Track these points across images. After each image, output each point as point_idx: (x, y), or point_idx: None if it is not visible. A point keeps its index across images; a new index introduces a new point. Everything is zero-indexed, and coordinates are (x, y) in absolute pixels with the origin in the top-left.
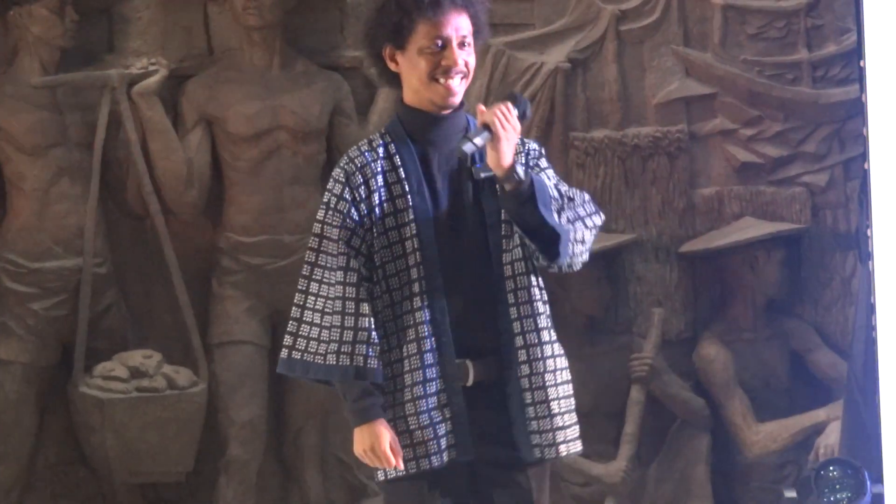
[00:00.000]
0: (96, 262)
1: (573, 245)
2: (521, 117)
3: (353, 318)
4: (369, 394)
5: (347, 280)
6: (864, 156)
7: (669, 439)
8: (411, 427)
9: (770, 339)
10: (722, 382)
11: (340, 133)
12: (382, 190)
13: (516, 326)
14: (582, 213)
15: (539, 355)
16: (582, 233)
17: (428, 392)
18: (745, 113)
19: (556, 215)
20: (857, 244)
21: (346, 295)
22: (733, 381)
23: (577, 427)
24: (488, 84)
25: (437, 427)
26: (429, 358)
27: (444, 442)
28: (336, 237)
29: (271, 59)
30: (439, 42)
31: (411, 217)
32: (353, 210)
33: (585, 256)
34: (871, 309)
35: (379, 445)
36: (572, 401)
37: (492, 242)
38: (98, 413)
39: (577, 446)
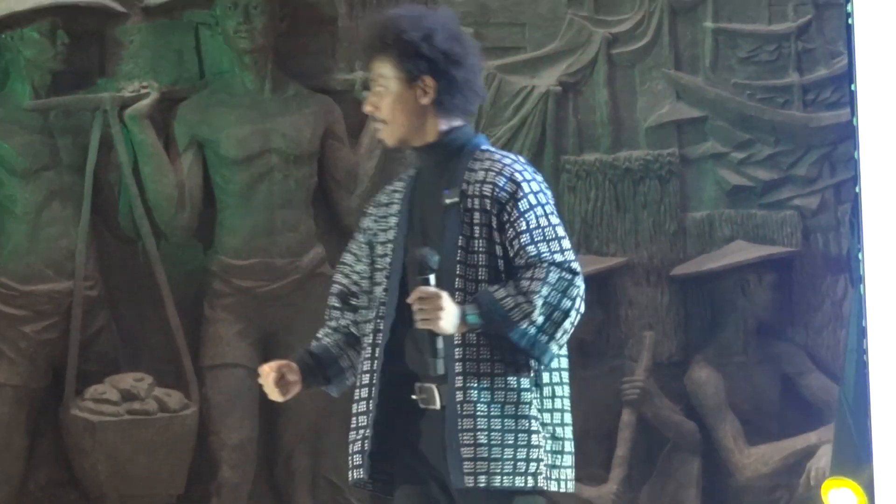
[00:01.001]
0: (88, 285)
1: (556, 342)
2: (426, 271)
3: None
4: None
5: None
6: (855, 179)
7: (660, 462)
8: (348, 439)
9: (761, 363)
10: (713, 405)
11: (332, 156)
12: (381, 218)
13: (458, 353)
14: (553, 299)
15: (475, 385)
16: (562, 327)
17: (359, 410)
18: (736, 136)
19: (527, 328)
20: (849, 267)
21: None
22: (724, 405)
23: (517, 462)
24: (479, 107)
25: (355, 444)
26: (365, 378)
27: (357, 459)
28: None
29: (263, 82)
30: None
31: (390, 238)
32: (360, 237)
33: (580, 316)
34: (863, 332)
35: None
36: (521, 436)
37: (446, 269)
38: (89, 436)
39: (514, 481)
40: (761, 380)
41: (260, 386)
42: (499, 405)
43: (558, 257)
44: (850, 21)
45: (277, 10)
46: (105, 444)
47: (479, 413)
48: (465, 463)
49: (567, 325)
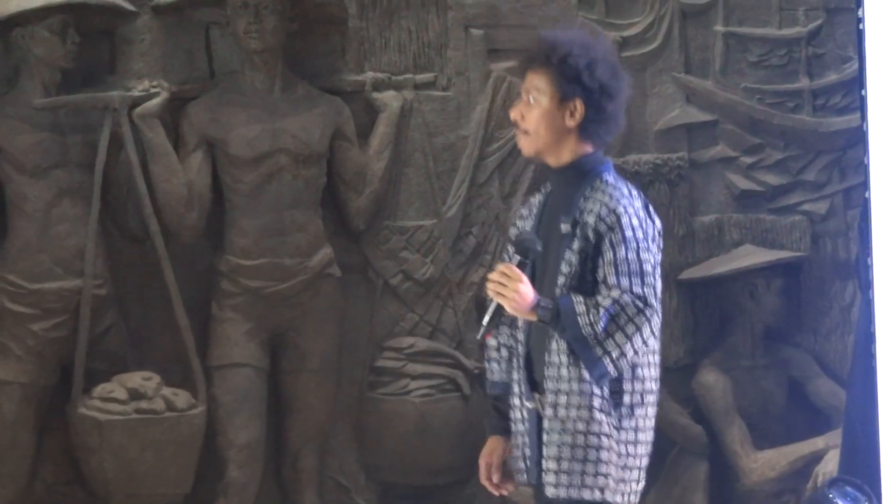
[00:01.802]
0: (96, 284)
1: (612, 363)
2: (527, 255)
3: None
4: (494, 409)
5: None
6: (864, 185)
7: (667, 466)
8: (512, 444)
9: (769, 367)
10: (720, 410)
11: (341, 157)
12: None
13: (548, 370)
14: (622, 320)
15: (559, 400)
16: (621, 349)
17: (515, 418)
18: (745, 140)
19: (588, 341)
20: (857, 273)
21: None
22: (732, 409)
23: (584, 476)
24: (489, 109)
25: (515, 450)
26: (515, 388)
27: (519, 464)
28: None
29: (273, 82)
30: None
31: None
32: (510, 247)
33: (640, 351)
34: (871, 338)
35: (482, 457)
36: (590, 451)
37: (559, 285)
38: (97, 434)
39: (582, 494)
40: (769, 384)
41: (267, 385)
42: (573, 421)
43: (636, 289)
44: (860, 26)
45: (288, 10)
46: (112, 443)
47: (553, 428)
48: (545, 474)
49: (626, 348)
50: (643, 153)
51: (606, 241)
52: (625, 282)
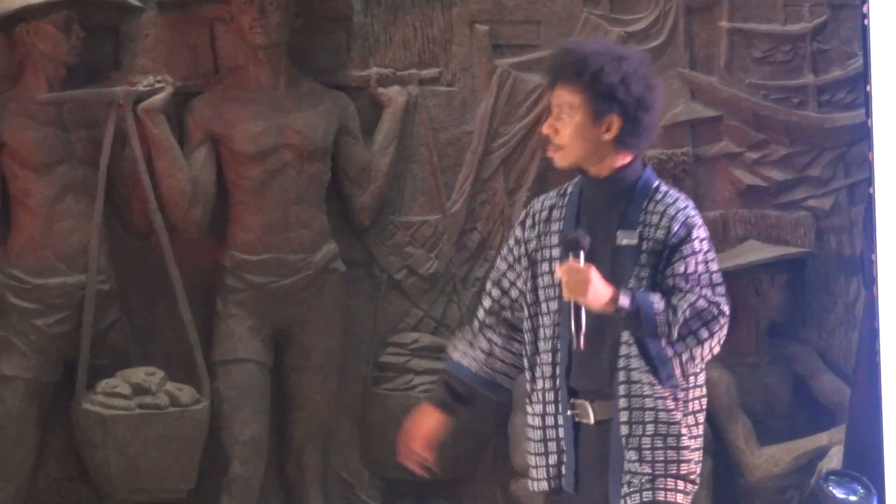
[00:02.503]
0: (100, 279)
1: (680, 365)
2: (577, 253)
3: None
4: (445, 384)
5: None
6: (869, 180)
7: None
8: (529, 450)
9: (773, 363)
10: (724, 406)
11: (346, 153)
12: (542, 234)
13: (621, 375)
14: (695, 324)
15: (639, 393)
16: (690, 352)
17: (547, 424)
18: (750, 136)
19: (661, 339)
20: (862, 269)
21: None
22: (736, 405)
23: (669, 477)
24: (493, 105)
25: (549, 457)
26: (549, 396)
27: (551, 471)
28: (501, 258)
29: (277, 78)
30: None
31: (557, 257)
32: (514, 247)
33: (707, 361)
34: (875, 334)
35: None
36: (669, 452)
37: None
38: (100, 430)
39: (673, 496)
40: (773, 380)
41: (271, 381)
42: (652, 424)
43: (709, 296)
44: (865, 22)
45: (293, 6)
46: (116, 439)
47: (633, 432)
48: (625, 476)
49: (696, 352)
50: (648, 148)
51: (677, 253)
52: (698, 290)
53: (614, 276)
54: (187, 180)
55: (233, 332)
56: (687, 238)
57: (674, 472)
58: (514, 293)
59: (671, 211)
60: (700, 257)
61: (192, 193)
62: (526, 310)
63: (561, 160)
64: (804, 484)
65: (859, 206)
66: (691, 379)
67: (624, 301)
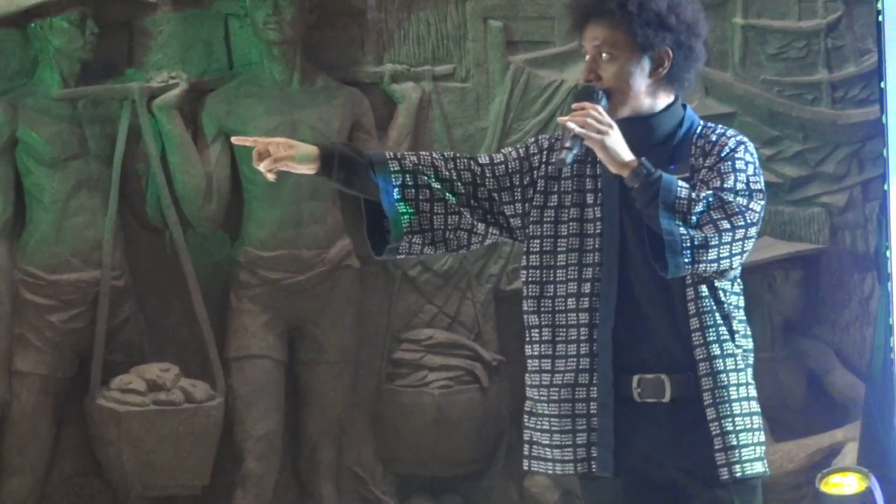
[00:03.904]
0: (114, 275)
1: (692, 251)
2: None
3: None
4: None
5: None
6: (883, 176)
7: None
8: (553, 428)
9: (787, 360)
10: None
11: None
12: (575, 176)
13: (697, 338)
14: (717, 215)
15: (721, 368)
16: (705, 236)
17: (577, 397)
18: (764, 133)
19: (676, 218)
20: (876, 265)
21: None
22: None
23: (755, 447)
24: (507, 101)
25: (578, 436)
26: (584, 363)
27: (578, 453)
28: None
29: (291, 74)
30: (584, 54)
31: (598, 215)
32: (525, 155)
33: (725, 264)
34: (890, 330)
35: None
36: (753, 419)
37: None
38: (114, 426)
39: (756, 468)
40: (787, 377)
41: (285, 377)
42: (735, 388)
43: (742, 199)
44: (880, 18)
45: (307, 1)
46: (130, 435)
47: (719, 400)
48: (718, 454)
49: (712, 241)
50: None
51: (724, 164)
52: (731, 194)
53: None
54: (201, 176)
55: (247, 328)
56: (732, 156)
57: (757, 440)
58: (506, 209)
59: (722, 139)
60: (742, 176)
61: (207, 189)
62: (531, 258)
63: (614, 109)
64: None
65: (874, 203)
66: (739, 329)
67: (644, 165)
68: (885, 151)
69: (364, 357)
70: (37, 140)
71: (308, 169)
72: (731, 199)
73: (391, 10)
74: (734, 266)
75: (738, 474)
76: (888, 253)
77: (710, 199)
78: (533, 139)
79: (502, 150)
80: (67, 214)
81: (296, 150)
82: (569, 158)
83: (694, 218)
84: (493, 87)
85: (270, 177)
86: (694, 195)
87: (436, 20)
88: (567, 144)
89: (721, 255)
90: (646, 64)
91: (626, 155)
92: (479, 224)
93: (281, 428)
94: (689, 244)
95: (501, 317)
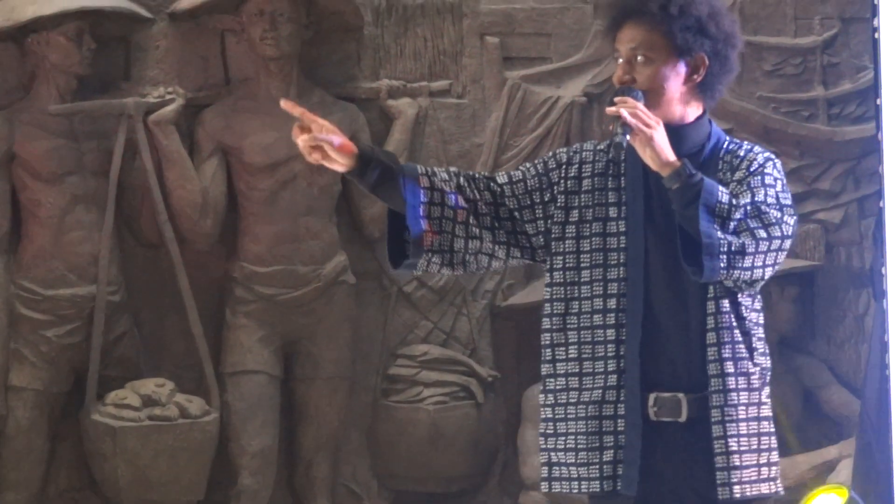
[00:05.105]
0: (110, 290)
1: (728, 257)
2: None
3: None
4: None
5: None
6: (879, 194)
7: None
8: (579, 446)
9: (782, 376)
10: None
11: None
12: (596, 190)
13: (712, 353)
14: (754, 223)
15: (733, 386)
16: (742, 243)
17: (604, 415)
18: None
19: (716, 222)
20: (872, 282)
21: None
22: None
23: (760, 468)
24: (503, 117)
25: (605, 453)
26: (611, 380)
27: (605, 470)
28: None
29: (288, 89)
30: (617, 57)
31: (622, 229)
32: (544, 170)
33: (757, 274)
34: (885, 347)
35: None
36: (762, 440)
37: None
38: (110, 441)
39: (760, 489)
40: (782, 393)
41: (280, 393)
42: (745, 408)
43: (777, 214)
44: (876, 35)
45: (303, 17)
46: (125, 450)
47: (727, 419)
48: (719, 473)
49: (748, 249)
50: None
51: (753, 179)
52: (764, 205)
53: None
54: (198, 191)
55: (242, 343)
56: (762, 171)
57: (765, 461)
58: (529, 228)
59: (751, 155)
60: (772, 192)
61: (203, 204)
62: (555, 275)
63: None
64: None
65: (869, 220)
66: (758, 347)
67: (687, 167)
68: (880, 168)
69: (359, 373)
70: (33, 155)
71: (341, 164)
72: (767, 211)
73: (388, 26)
74: (765, 277)
75: (738, 495)
76: (883, 270)
77: (748, 208)
78: (551, 153)
79: (520, 168)
80: (64, 230)
81: (336, 137)
82: (623, 143)
83: (732, 224)
84: (490, 103)
85: (309, 155)
86: (735, 202)
87: (432, 36)
88: (619, 131)
89: (755, 264)
90: (681, 69)
91: (670, 154)
92: (500, 248)
93: (276, 443)
94: (726, 249)
95: (497, 333)
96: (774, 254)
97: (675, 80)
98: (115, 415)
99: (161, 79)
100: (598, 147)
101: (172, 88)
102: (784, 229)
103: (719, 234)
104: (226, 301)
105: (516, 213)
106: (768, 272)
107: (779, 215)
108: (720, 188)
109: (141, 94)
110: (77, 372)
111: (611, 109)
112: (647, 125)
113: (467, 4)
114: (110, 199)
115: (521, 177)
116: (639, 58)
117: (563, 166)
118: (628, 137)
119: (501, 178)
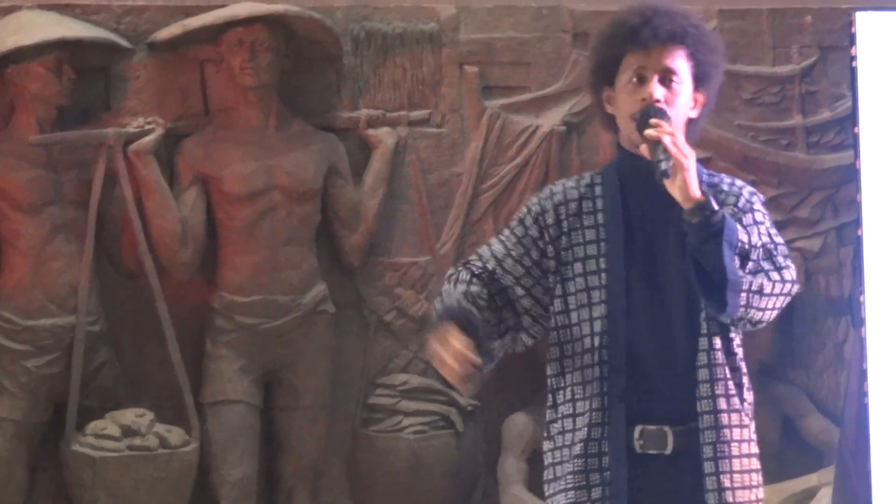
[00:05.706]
0: (90, 321)
1: (747, 296)
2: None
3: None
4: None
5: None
6: (857, 222)
7: None
8: (568, 486)
9: (761, 404)
10: None
11: (335, 194)
12: (572, 230)
13: (704, 390)
14: (767, 266)
15: (726, 422)
16: (761, 283)
17: (589, 452)
18: (739, 178)
19: (737, 260)
20: (850, 310)
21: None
22: None
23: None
24: (483, 146)
25: (592, 491)
26: (596, 417)
27: None
28: (511, 258)
29: (267, 119)
30: (637, 77)
31: (602, 266)
32: (530, 249)
33: (767, 316)
34: (864, 375)
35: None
36: (752, 476)
37: (692, 296)
38: (90, 471)
39: None
40: (761, 421)
41: (260, 422)
42: (737, 444)
43: (781, 258)
44: (853, 64)
45: (283, 47)
46: (105, 480)
47: (720, 455)
48: None
49: (765, 296)
50: None
51: (745, 220)
52: (770, 246)
53: (682, 263)
54: (177, 221)
55: (222, 373)
56: (751, 208)
57: (755, 497)
58: (526, 302)
59: (734, 189)
60: (763, 228)
61: (182, 234)
62: (546, 320)
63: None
64: None
65: (848, 248)
66: (745, 383)
67: (711, 203)
68: (858, 196)
69: (339, 402)
70: (13, 186)
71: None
72: (776, 255)
73: (367, 56)
74: (771, 319)
75: None
76: (862, 298)
77: (760, 252)
78: (525, 209)
79: (497, 244)
80: (43, 260)
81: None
82: (669, 171)
83: (751, 264)
84: (469, 132)
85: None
86: (753, 241)
87: (411, 66)
88: (662, 157)
89: (768, 306)
90: (691, 99)
91: (697, 187)
92: (528, 338)
93: (256, 473)
94: (747, 287)
95: None
96: (783, 298)
97: (686, 109)
98: (94, 445)
99: (141, 109)
100: (568, 185)
101: (152, 118)
102: (792, 274)
103: (740, 272)
104: (206, 331)
105: (526, 295)
106: (775, 315)
107: (785, 262)
108: (737, 226)
109: (121, 124)
110: (57, 402)
111: (650, 133)
112: (685, 155)
113: (446, 34)
114: (90, 230)
115: (502, 253)
116: (674, 80)
117: (539, 217)
118: (670, 164)
119: (491, 266)
